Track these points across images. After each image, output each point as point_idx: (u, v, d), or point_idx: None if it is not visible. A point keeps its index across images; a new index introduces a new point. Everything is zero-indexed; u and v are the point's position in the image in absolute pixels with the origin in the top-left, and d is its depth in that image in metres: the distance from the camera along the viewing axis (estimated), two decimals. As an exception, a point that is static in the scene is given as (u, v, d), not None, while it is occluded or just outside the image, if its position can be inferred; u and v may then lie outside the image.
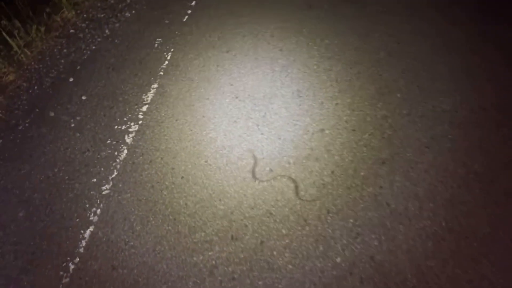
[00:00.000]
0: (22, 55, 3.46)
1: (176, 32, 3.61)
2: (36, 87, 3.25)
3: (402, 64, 3.02)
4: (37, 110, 3.06)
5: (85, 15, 3.92)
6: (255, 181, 2.41)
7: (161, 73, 3.24)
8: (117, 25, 3.75)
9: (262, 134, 2.63)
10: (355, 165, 2.39)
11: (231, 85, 3.04)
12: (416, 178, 2.30)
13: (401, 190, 2.25)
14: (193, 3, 3.96)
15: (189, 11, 3.85)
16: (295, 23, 3.56)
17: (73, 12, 3.89)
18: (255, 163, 2.51)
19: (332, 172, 2.38)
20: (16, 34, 3.47)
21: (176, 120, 2.83)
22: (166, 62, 3.32)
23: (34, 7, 3.69)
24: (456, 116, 2.62)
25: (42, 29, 3.64)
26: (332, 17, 3.58)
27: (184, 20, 3.76)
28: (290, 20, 3.60)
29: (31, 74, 3.39)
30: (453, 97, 2.74)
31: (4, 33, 3.26)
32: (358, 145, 2.53)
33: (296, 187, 2.34)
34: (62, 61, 3.46)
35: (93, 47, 3.55)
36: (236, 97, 2.93)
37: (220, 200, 2.32)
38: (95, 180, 2.55)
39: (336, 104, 2.80)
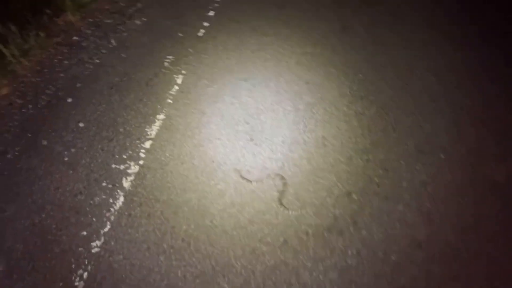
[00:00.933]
0: (17, 65, 3.18)
1: (190, 50, 3.28)
2: (30, 106, 2.98)
3: (448, 115, 2.64)
4: (29, 135, 2.80)
5: (90, 20, 3.61)
6: (265, 255, 2.11)
7: (169, 100, 2.93)
8: (124, 34, 3.44)
9: (277, 191, 2.32)
10: (385, 246, 2.06)
11: (247, 123, 2.73)
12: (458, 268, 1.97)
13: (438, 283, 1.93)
14: (211, 13, 3.60)
15: (206, 24, 3.50)
16: (325, 49, 3.20)
17: (78, 16, 3.58)
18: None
19: (358, 252, 2.07)
20: (12, 41, 3.17)
21: (182, 164, 2.54)
22: (176, 87, 3.01)
23: (34, 8, 3.38)
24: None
25: (42, 34, 3.35)
26: (370, 45, 3.20)
27: (200, 34, 3.42)
28: (320, 44, 3.24)
29: (26, 89, 3.12)
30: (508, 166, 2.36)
31: (-2, 43, 2.98)
32: (390, 218, 2.21)
33: (313, 270, 2.04)
34: (62, 75, 3.18)
35: (97, 61, 3.26)
36: (251, 140, 2.62)
37: (224, 276, 2.05)
38: (85, 233, 2.30)
39: (367, 160, 2.46)
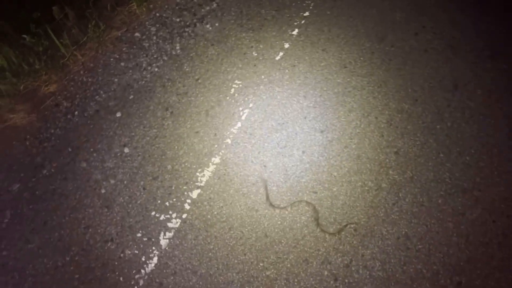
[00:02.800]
0: (71, 59, 2.96)
1: (263, 77, 2.91)
2: (76, 113, 2.80)
3: None
4: (69, 150, 2.63)
5: (157, 14, 3.32)
6: None
7: (229, 140, 2.62)
8: (191, 41, 3.12)
9: None
10: None
11: (315, 192, 2.40)
12: None
13: None
14: (295, 32, 3.16)
15: (287, 45, 3.10)
16: (428, 110, 2.74)
17: (144, 7, 3.28)
18: None
19: None
20: (68, 30, 2.95)
21: (230, 230, 2.26)
22: (239, 124, 2.69)
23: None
24: None
25: (102, 26, 3.09)
26: (488, 118, 2.65)
27: (278, 58, 3.03)
28: (422, 102, 2.76)
29: (76, 89, 2.93)
30: None
31: (50, 30, 2.75)
32: None
33: None
34: (116, 79, 2.95)
35: (156, 69, 2.98)
36: (315, 219, 2.25)
37: None
38: (108, 296, 2.08)
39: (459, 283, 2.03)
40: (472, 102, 2.77)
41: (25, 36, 2.92)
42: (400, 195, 2.42)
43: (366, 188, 2.46)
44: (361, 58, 3.03)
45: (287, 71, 3.02)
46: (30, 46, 2.96)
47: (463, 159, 2.54)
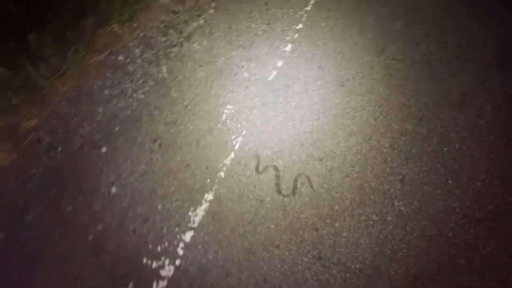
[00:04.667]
0: (51, 90, 2.84)
1: (256, 100, 2.78)
2: (60, 149, 2.69)
3: None
4: (53, 191, 2.51)
5: (141, 34, 3.18)
6: None
7: (222, 173, 2.52)
8: (178, 63, 2.98)
9: None
10: None
11: (316, 229, 2.30)
12: None
13: None
14: (288, 47, 3.02)
15: (280, 63, 2.96)
16: (435, 131, 2.56)
17: (126, 28, 3.13)
18: None
19: None
20: (46, 58, 2.82)
21: (227, 276, 2.21)
22: (232, 155, 2.58)
23: (74, 16, 2.96)
24: None
25: (83, 51, 2.94)
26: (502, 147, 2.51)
27: (271, 78, 2.90)
28: (428, 120, 2.60)
29: (58, 121, 2.82)
30: None
31: (27, 62, 2.62)
32: None
33: None
34: (100, 109, 2.83)
35: (142, 96, 2.86)
36: (319, 258, 2.14)
37: None
38: None
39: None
40: (481, 120, 2.62)
41: None
42: (407, 229, 2.30)
43: (371, 222, 2.33)
44: (360, 74, 2.88)
45: (280, 92, 2.88)
46: (6, 80, 2.82)
47: (473, 185, 2.41)
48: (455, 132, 2.58)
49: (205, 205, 2.48)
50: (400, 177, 2.45)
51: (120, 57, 3.17)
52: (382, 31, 3.09)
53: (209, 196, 2.50)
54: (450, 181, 2.42)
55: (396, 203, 2.37)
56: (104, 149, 2.74)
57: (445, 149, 2.54)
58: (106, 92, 3.01)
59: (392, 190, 2.42)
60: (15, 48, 2.84)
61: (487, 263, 2.14)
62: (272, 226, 2.37)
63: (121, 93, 2.98)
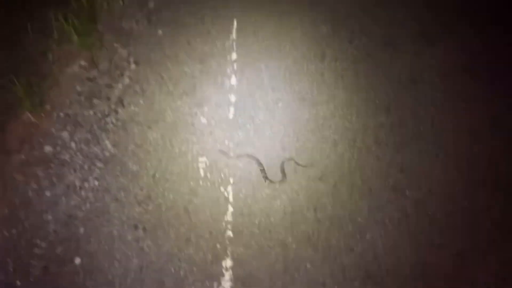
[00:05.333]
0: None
1: (226, 142, 2.56)
2: (18, 283, 2.10)
3: None
4: None
5: (61, 114, 2.73)
6: None
7: (229, 233, 2.39)
8: (122, 132, 2.64)
9: None
10: None
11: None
12: None
13: None
14: (233, 81, 2.86)
15: (233, 98, 2.80)
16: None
17: (41, 112, 2.64)
18: None
19: None
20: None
21: None
22: (230, 209, 2.47)
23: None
24: None
25: (-3, 156, 2.37)
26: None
27: (231, 116, 2.70)
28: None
29: (2, 253, 2.20)
30: None
31: None
32: None
33: None
34: (49, 217, 2.38)
35: (95, 182, 2.50)
36: None
37: None
38: None
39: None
40: (438, 92, 2.81)
41: None
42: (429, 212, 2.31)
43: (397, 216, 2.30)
44: (315, 84, 2.90)
45: (248, 125, 2.77)
46: None
47: (460, 151, 2.55)
48: (422, 110, 2.72)
49: (228, 275, 2.19)
50: (399, 167, 2.49)
51: (47, 148, 2.64)
52: (314, 38, 3.14)
53: (228, 263, 2.22)
54: (440, 155, 2.53)
55: (407, 192, 2.39)
56: (77, 260, 2.23)
57: (421, 128, 2.65)
58: (48, 194, 2.47)
59: (398, 181, 2.43)
60: None
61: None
62: (308, 266, 2.18)
63: (68, 189, 2.48)
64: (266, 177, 2.47)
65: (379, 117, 2.74)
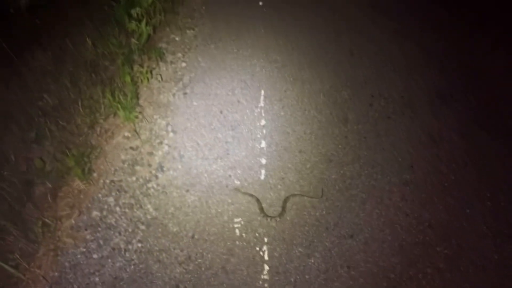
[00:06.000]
0: (30, 280, 2.39)
1: (264, 205, 2.68)
2: None
3: None
4: None
5: (107, 181, 2.98)
6: None
7: None
8: (162, 197, 2.80)
9: None
10: None
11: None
12: None
13: None
14: (263, 144, 3.06)
15: (263, 160, 2.97)
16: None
17: (89, 180, 2.88)
18: None
19: None
20: (13, 248, 2.43)
21: None
22: (266, 267, 2.52)
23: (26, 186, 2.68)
24: None
25: (52, 223, 2.58)
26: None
27: (262, 177, 2.85)
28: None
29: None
30: None
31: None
32: None
33: None
34: (97, 278, 2.54)
35: (139, 245, 2.66)
36: None
37: None
38: None
39: None
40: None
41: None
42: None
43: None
44: (340, 146, 3.09)
45: (279, 186, 2.90)
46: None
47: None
48: (445, 167, 2.86)
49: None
50: (427, 224, 2.59)
51: (95, 213, 2.88)
52: (335, 103, 3.41)
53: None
54: (467, 210, 2.63)
55: (437, 248, 2.46)
56: (123, 321, 2.35)
57: (445, 184, 2.78)
58: (95, 256, 2.65)
59: (427, 238, 2.52)
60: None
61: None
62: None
63: (114, 251, 2.66)
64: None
65: (403, 174, 2.89)
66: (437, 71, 3.67)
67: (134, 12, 3.76)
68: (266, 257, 2.57)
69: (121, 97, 3.27)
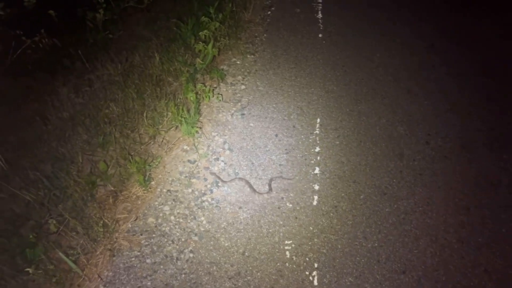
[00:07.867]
0: (86, 276, 2.50)
1: (311, 228, 2.75)
2: None
3: None
4: None
5: (164, 190, 3.11)
6: None
7: None
8: (216, 211, 2.89)
9: None
10: None
11: None
12: None
13: None
14: (317, 170, 3.11)
15: (316, 186, 3.03)
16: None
17: (148, 188, 3.01)
18: None
19: None
20: (71, 242, 2.57)
21: None
22: None
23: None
24: None
25: (111, 224, 2.71)
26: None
27: (315, 203, 2.91)
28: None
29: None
30: None
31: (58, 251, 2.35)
32: None
33: None
34: (148, 283, 2.63)
35: (191, 255, 2.79)
36: None
37: None
38: None
39: None
40: None
41: (28, 269, 2.45)
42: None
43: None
44: (394, 180, 3.11)
45: (332, 214, 2.97)
46: (33, 279, 2.48)
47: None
48: (503, 212, 2.82)
49: None
50: (483, 269, 2.54)
51: (150, 219, 3.01)
52: (391, 138, 3.46)
53: None
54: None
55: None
56: (172, 329, 2.42)
57: (503, 230, 2.73)
58: (148, 261, 2.76)
59: (483, 282, 2.47)
60: (36, 231, 2.57)
61: None
62: None
63: (166, 258, 2.77)
64: None
65: (459, 216, 2.88)
66: (495, 114, 3.66)
67: (202, 34, 4.00)
68: (315, 283, 2.59)
69: (185, 111, 3.45)
